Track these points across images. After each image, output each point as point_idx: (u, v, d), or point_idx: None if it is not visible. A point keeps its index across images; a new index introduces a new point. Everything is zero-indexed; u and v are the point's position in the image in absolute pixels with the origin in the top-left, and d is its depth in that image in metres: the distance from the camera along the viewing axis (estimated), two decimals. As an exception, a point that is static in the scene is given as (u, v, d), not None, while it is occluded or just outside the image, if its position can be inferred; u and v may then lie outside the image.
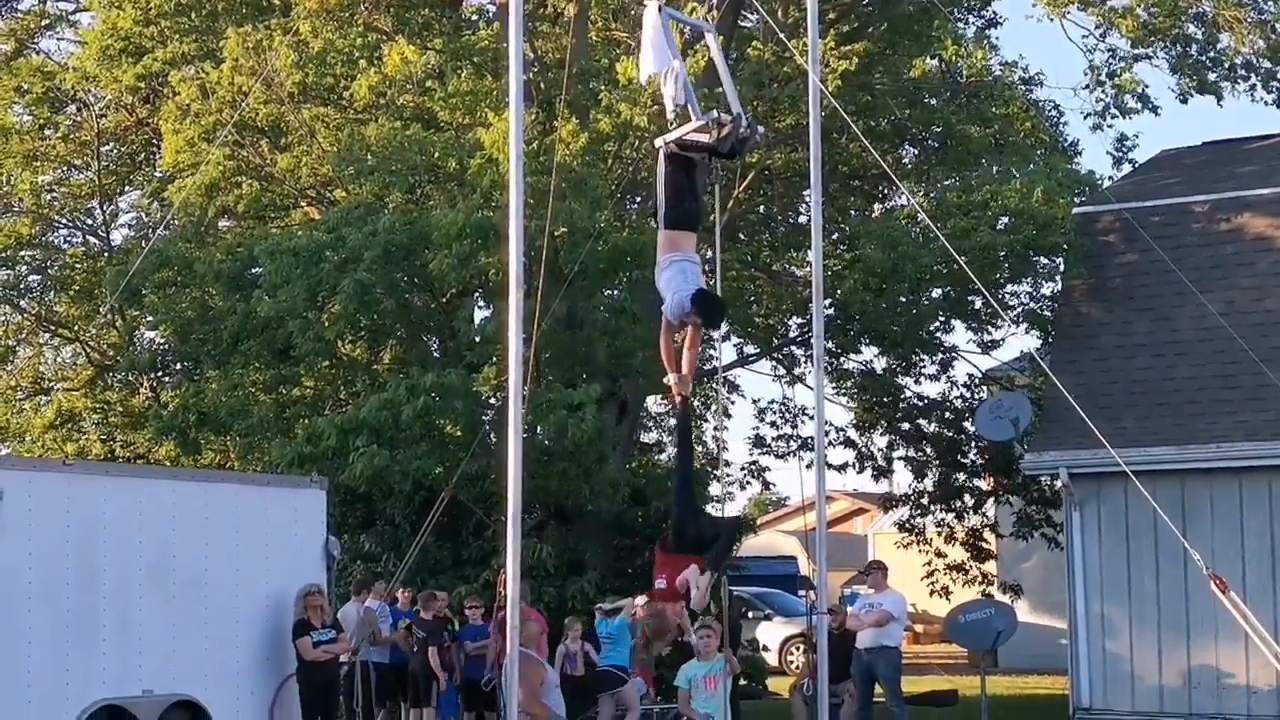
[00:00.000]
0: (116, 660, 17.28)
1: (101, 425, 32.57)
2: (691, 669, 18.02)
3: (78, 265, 32.87)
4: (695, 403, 32.18)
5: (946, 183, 27.50)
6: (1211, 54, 28.12)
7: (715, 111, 12.61)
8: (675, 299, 12.28)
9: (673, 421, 36.35)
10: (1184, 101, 28.04)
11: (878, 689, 21.74)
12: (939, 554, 31.66)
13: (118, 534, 17.47)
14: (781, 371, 32.27)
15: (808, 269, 27.27)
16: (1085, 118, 28.98)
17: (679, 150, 12.62)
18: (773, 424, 32.29)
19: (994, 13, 30.10)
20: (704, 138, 12.52)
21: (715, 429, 33.11)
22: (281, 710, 18.93)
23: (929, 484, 31.47)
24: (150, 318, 28.70)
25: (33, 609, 16.56)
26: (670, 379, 12.75)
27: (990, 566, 32.19)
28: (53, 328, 33.31)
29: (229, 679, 18.50)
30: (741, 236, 29.36)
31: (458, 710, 21.36)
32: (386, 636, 21.47)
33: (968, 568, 31.34)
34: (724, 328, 29.57)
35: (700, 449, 33.72)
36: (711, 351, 26.29)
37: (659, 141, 12.83)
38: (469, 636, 20.96)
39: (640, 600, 13.45)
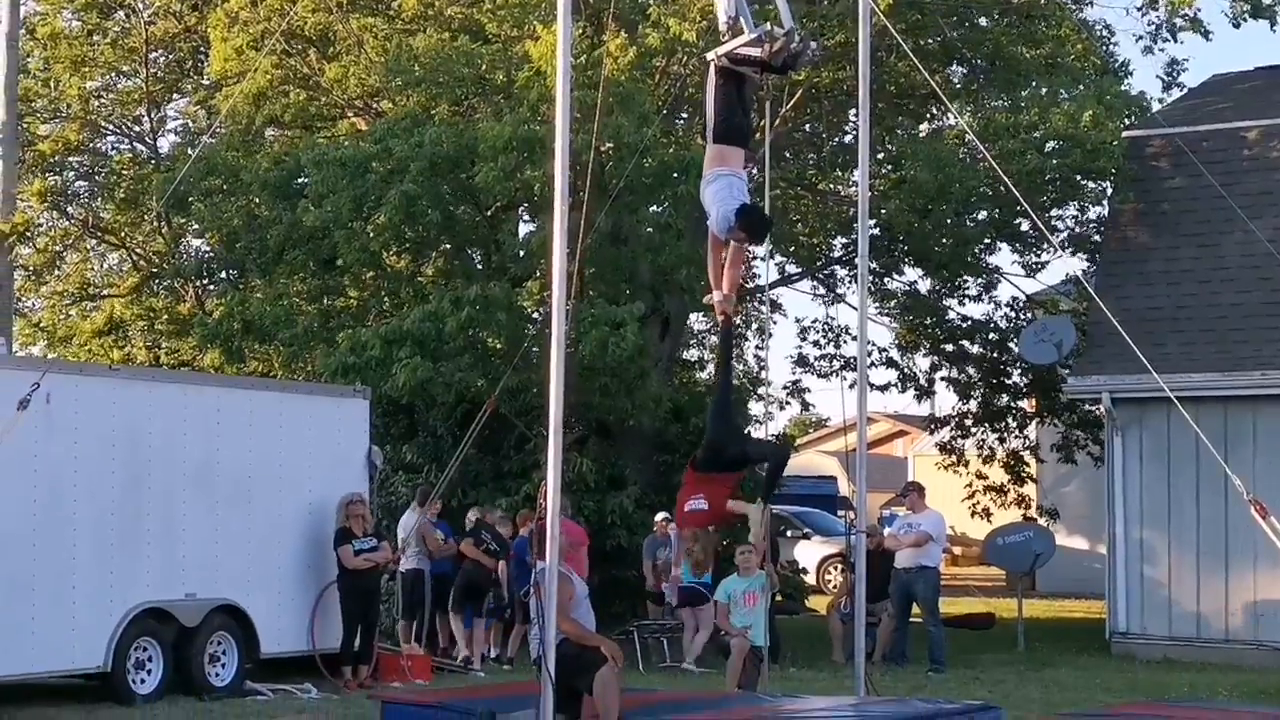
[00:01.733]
0: (160, 564, 17.50)
1: (147, 332, 32.69)
2: (731, 584, 18.12)
3: (125, 172, 32.91)
4: (738, 321, 32.22)
5: (995, 104, 27.32)
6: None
7: (768, 25, 12.53)
8: (720, 213, 12.23)
9: (715, 339, 36.43)
10: (1236, 26, 27.75)
11: (915, 609, 21.86)
12: (979, 476, 31.66)
13: (163, 439, 17.65)
14: (823, 292, 32.25)
15: (853, 188, 27.24)
16: (1137, 40, 28.74)
17: (730, 64, 12.56)
18: (815, 343, 32.30)
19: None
20: (756, 52, 12.44)
21: (757, 347, 33.10)
22: (322, 617, 19.12)
23: (972, 405, 31.43)
24: (196, 225, 28.77)
25: (78, 512, 16.77)
26: (714, 297, 12.74)
27: (1030, 489, 32.19)
28: (99, 234, 33.38)
29: (271, 585, 18.72)
30: (787, 155, 29.22)
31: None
32: (446, 546, 21.60)
33: (1007, 490, 31.34)
34: (768, 246, 29.49)
35: (741, 367, 33.80)
36: (756, 269, 26.28)
37: (710, 55, 12.76)
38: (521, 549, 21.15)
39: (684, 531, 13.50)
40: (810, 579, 35.54)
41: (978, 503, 31.62)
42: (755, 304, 28.96)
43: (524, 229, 27.04)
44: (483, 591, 21.22)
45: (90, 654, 16.74)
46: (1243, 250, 23.34)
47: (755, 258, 23.38)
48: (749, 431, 25.46)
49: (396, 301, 26.05)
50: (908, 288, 31.15)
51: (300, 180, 25.19)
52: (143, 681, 17.22)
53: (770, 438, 28.71)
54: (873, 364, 30.72)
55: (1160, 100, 28.61)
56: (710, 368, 36.22)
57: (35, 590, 16.30)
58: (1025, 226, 27.45)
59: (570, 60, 12.64)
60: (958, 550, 45.10)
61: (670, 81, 25.37)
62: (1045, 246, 28.66)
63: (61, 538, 16.60)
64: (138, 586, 17.22)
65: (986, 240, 28.54)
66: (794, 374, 32.65)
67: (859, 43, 16.46)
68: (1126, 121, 25.42)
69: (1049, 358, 25.04)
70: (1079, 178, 26.15)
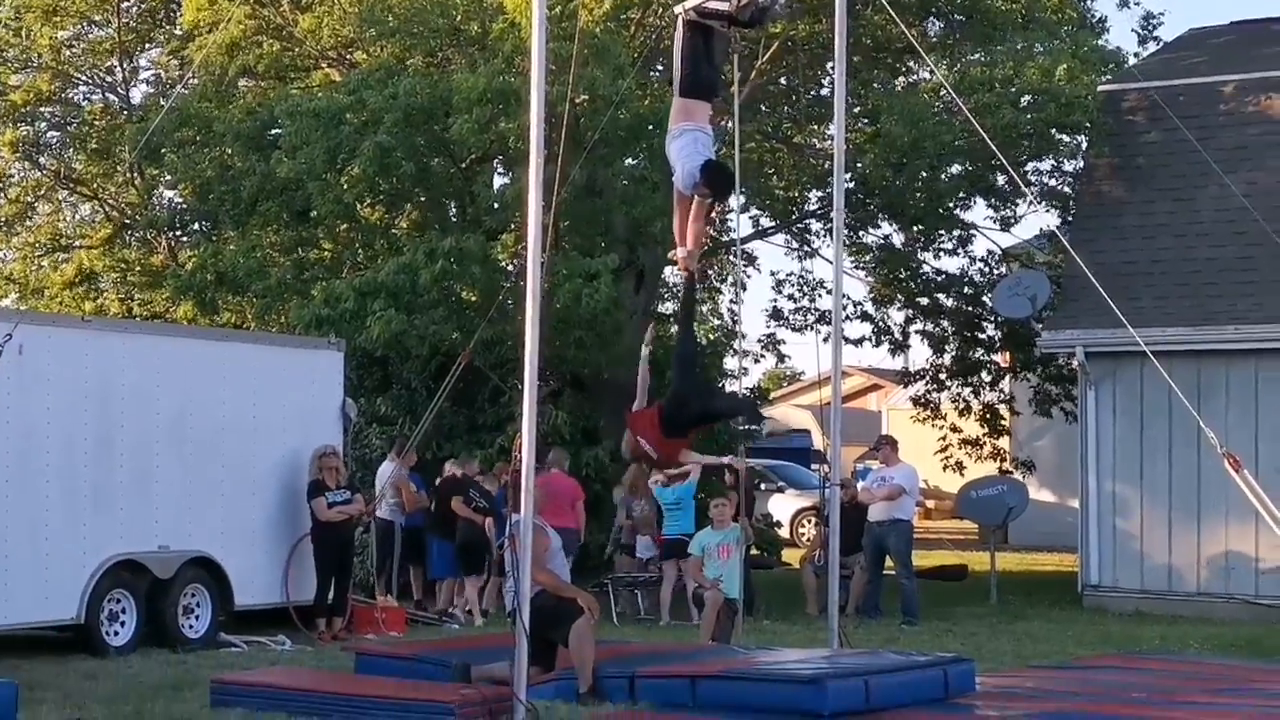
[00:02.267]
0: (134, 516, 17.47)
1: (119, 284, 32.58)
2: (705, 537, 18.16)
3: (97, 123, 32.74)
4: (711, 274, 32.19)
5: (971, 58, 27.28)
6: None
7: (737, -21, 12.53)
8: (685, 169, 12.27)
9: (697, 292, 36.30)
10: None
11: (888, 562, 21.93)
12: (954, 429, 31.72)
13: (136, 391, 17.60)
14: (796, 245, 32.20)
15: (829, 142, 27.17)
16: (1112, -8, 28.73)
17: (698, 18, 12.56)
18: (790, 297, 32.28)
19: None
20: (723, 6, 12.47)
21: (731, 301, 33.05)
22: (296, 569, 19.14)
23: (946, 359, 31.46)
24: (169, 176, 28.63)
25: (51, 463, 16.74)
26: (678, 253, 12.77)
27: (1004, 442, 32.26)
28: (72, 185, 33.23)
29: (244, 537, 18.71)
30: (763, 108, 29.16)
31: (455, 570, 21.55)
32: (419, 499, 21.64)
33: (982, 443, 31.41)
34: (743, 199, 29.44)
35: (716, 321, 33.78)
36: (730, 222, 26.26)
37: (679, 8, 12.77)
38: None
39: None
40: (784, 532, 35.63)
41: (951, 456, 31.69)
42: (730, 257, 28.91)
43: (499, 181, 26.99)
44: (481, 549, 21.10)
45: (64, 606, 16.70)
46: (1217, 205, 23.38)
47: (729, 211, 23.47)
48: (723, 385, 25.58)
49: (371, 253, 25.98)
50: (882, 241, 31.14)
51: (274, 131, 25.09)
52: (116, 633, 17.20)
53: (744, 391, 28.76)
54: (847, 318, 30.70)
55: (1136, 54, 28.65)
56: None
57: (8, 542, 16.26)
58: (1000, 180, 27.44)
59: (545, 11, 12.62)
60: (931, 503, 45.24)
61: (646, 33, 25.30)
62: (1020, 200, 28.67)
63: (34, 490, 16.55)
64: (111, 538, 17.19)
65: (961, 194, 28.53)
66: (769, 327, 32.64)
67: (835, -6, 16.44)
68: (1102, 77, 25.41)
69: (1023, 311, 25.07)
70: (1054, 132, 26.14)
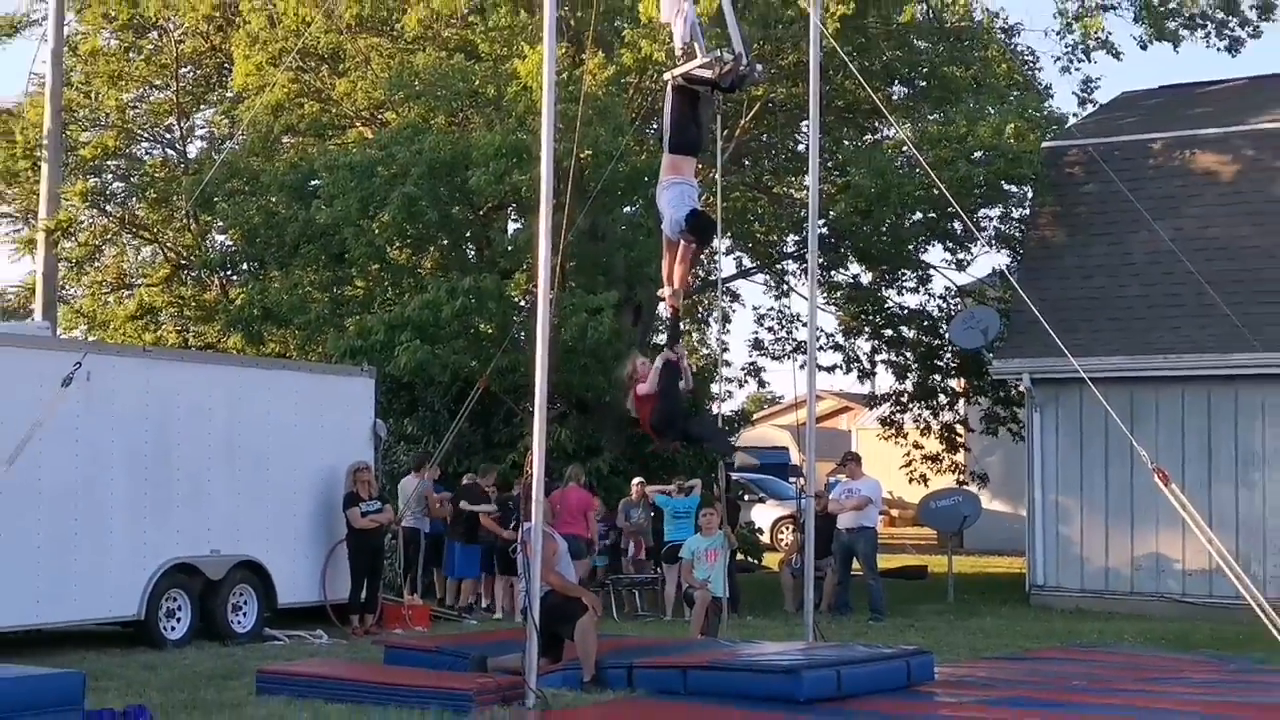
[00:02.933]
0: (188, 524, 17.48)
1: (176, 318, 32.55)
2: (694, 542, 18.17)
3: (157, 175, 32.74)
4: (699, 310, 32.22)
5: (930, 118, 27.34)
6: (1172, 4, 27.89)
7: (719, 50, 12.63)
8: (673, 218, 12.41)
9: (681, 326, 36.31)
10: (1144, 48, 27.89)
11: (856, 565, 21.92)
12: (916, 445, 31.73)
13: (191, 413, 17.63)
14: (775, 284, 32.20)
15: (804, 192, 27.22)
16: (1055, 60, 28.76)
17: (686, 83, 12.66)
18: (770, 329, 32.31)
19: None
20: (707, 73, 12.59)
21: (718, 333, 33.11)
22: (332, 571, 19.14)
23: (908, 384, 31.48)
24: (221, 222, 28.62)
25: (115, 478, 16.76)
26: (665, 291, 12.87)
27: (961, 458, 32.27)
28: (134, 229, 33.21)
29: (287, 543, 18.72)
30: (746, 162, 29.22)
31: (476, 570, 21.51)
32: (440, 508, 21.62)
33: (942, 459, 31.39)
34: (727, 242, 29.50)
35: (705, 351, 33.79)
36: (715, 263, 26.28)
37: (667, 75, 12.90)
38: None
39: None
40: (765, 538, 35.59)
41: (914, 470, 31.67)
42: (717, 295, 28.97)
43: (512, 227, 26.99)
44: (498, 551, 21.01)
45: (126, 604, 16.74)
46: (1147, 248, 23.43)
47: (714, 253, 23.51)
48: (709, 409, 25.60)
49: (399, 291, 25.98)
50: (851, 280, 31.16)
51: (314, 183, 25.11)
52: (173, 629, 17.22)
53: (729, 412, 28.74)
54: (821, 348, 30.72)
55: (1075, 114, 28.71)
56: (678, 350, 36.15)
57: (77, 547, 16.29)
58: (956, 226, 27.47)
59: (554, 77, 12.67)
60: (894, 512, 45.17)
61: (643, 96, 25.33)
62: (974, 243, 28.72)
63: (100, 501, 16.58)
64: (168, 544, 17.21)
65: (922, 238, 28.56)
66: (751, 356, 32.68)
67: (810, 62, 16.52)
68: (1047, 135, 25.47)
69: (976, 343, 25.09)
70: (1003, 183, 26.19)
